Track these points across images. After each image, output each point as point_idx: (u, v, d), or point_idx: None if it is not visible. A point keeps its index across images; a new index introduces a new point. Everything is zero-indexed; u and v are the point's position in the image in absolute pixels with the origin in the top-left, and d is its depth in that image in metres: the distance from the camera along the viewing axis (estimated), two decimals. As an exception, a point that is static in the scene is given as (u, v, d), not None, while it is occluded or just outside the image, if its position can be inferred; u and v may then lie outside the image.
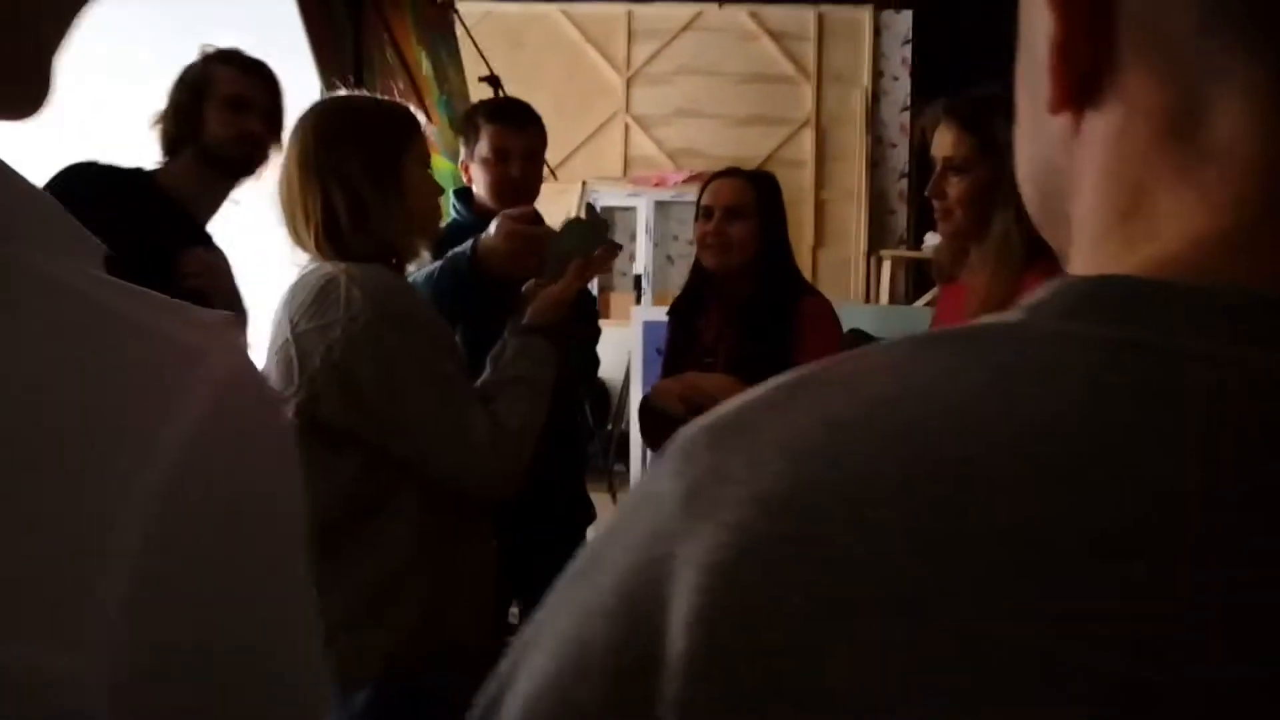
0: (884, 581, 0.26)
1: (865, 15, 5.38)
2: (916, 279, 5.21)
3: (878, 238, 5.31)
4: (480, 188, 2.01)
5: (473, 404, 1.32)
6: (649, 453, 4.30)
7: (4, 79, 0.35)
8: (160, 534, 0.29)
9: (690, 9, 5.53)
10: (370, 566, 1.29)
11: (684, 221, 5.70)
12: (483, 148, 1.97)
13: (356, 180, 1.33)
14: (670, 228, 5.63)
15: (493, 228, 1.63)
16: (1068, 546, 0.26)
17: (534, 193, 2.02)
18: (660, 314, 4.49)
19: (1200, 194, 0.31)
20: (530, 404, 1.37)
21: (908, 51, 5.35)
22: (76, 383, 0.30)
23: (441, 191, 1.49)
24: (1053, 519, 0.26)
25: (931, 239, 5.05)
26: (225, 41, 1.80)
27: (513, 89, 3.83)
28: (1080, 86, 0.33)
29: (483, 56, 3.78)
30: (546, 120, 2.09)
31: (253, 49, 1.83)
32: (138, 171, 1.75)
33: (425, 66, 3.35)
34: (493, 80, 3.89)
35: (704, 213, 1.87)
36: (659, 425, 1.91)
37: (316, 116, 1.39)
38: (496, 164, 1.96)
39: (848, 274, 5.17)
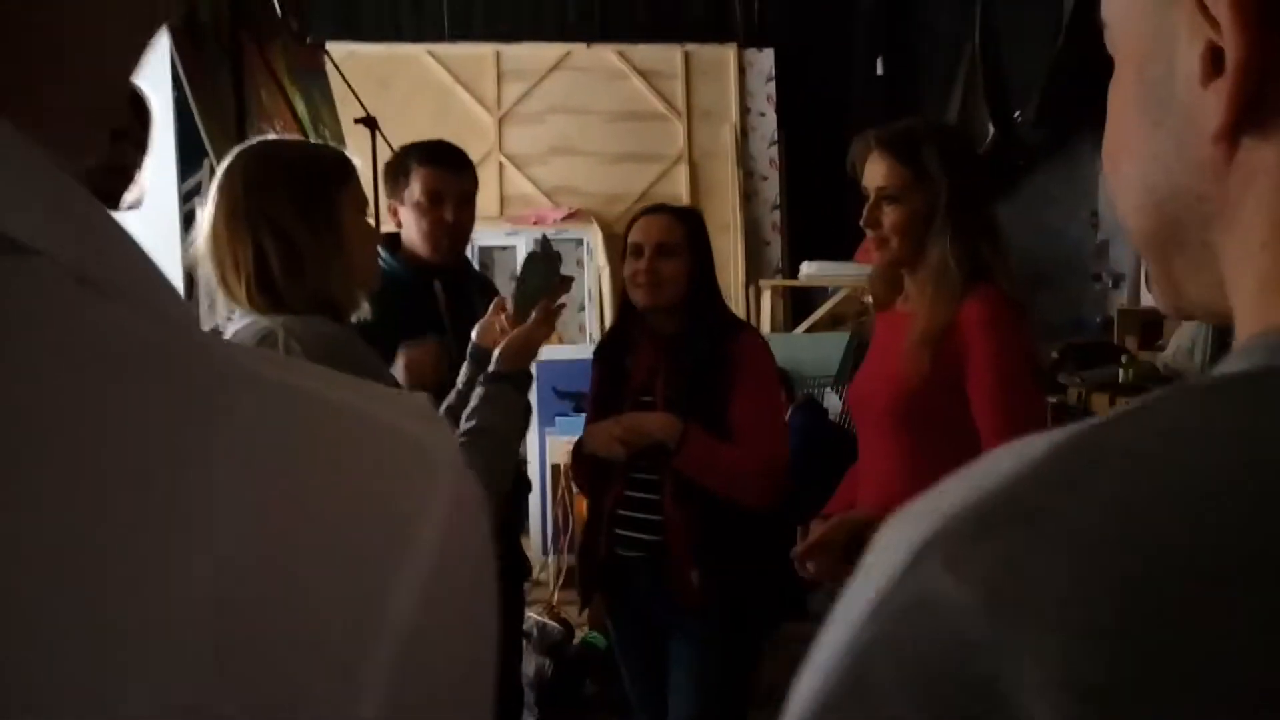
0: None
1: (730, 54, 5.53)
2: (794, 306, 5.35)
3: (754, 268, 5.43)
4: (411, 232, 1.95)
5: None
6: (551, 496, 4.23)
7: (71, 122, 0.30)
8: (407, 665, 0.26)
9: (558, 49, 5.55)
10: None
11: (564, 258, 5.68)
12: (415, 190, 1.93)
13: (290, 227, 1.26)
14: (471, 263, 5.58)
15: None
16: None
17: (466, 237, 1.99)
18: (552, 353, 4.43)
19: None
20: (495, 456, 1.30)
21: (772, 88, 5.53)
22: (312, 498, 0.25)
23: (380, 239, 1.43)
24: None
25: (807, 268, 5.20)
26: None
27: (383, 130, 3.74)
28: (1253, 112, 0.32)
29: (357, 98, 3.67)
30: (417, 161, 2.00)
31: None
32: None
33: (300, 108, 3.22)
34: (369, 122, 3.78)
35: (633, 250, 1.85)
36: (597, 469, 1.87)
37: (245, 161, 1.31)
38: (430, 207, 1.93)
39: (727, 304, 5.26)
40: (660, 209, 1.95)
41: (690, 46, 5.52)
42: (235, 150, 1.34)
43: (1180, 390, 0.31)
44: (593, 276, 5.46)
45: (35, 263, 0.24)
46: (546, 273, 1.61)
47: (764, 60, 5.56)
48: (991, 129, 4.42)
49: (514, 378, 1.39)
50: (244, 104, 2.39)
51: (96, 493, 0.22)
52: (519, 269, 1.67)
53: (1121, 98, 0.38)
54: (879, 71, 5.43)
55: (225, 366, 0.26)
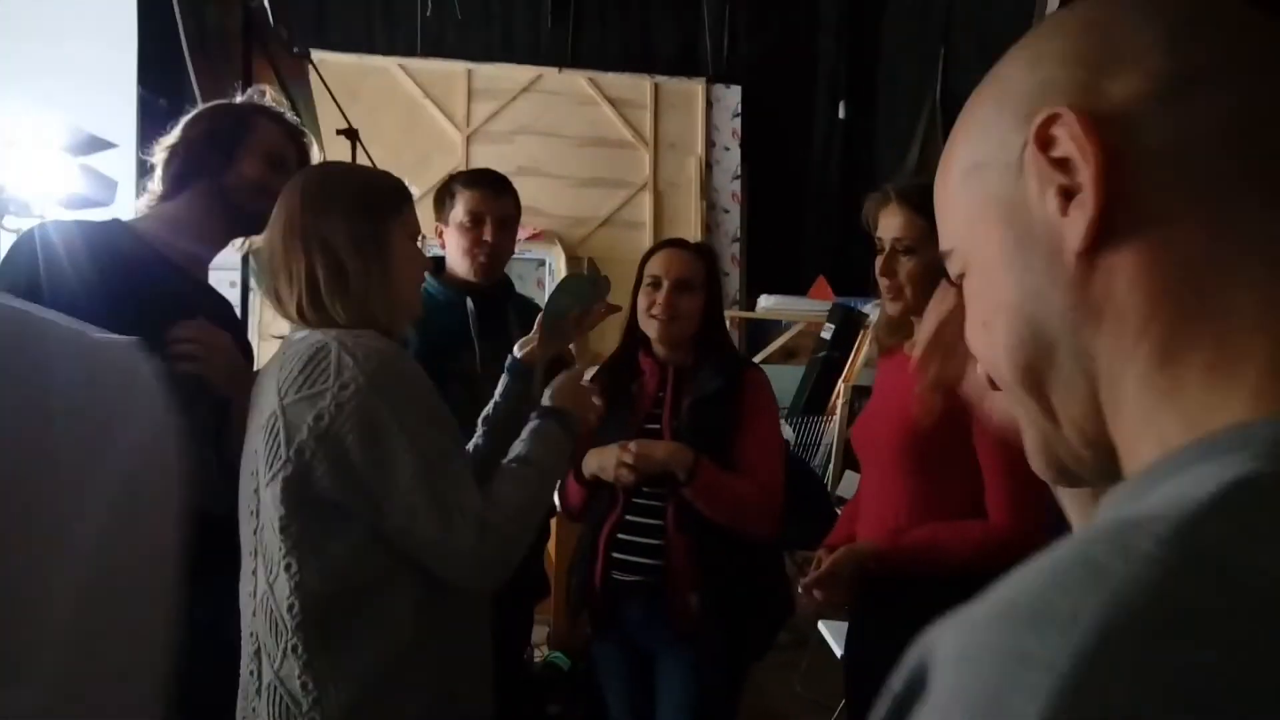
0: None
1: (698, 88, 5.66)
2: (750, 338, 5.46)
3: (713, 298, 5.54)
4: (453, 252, 2.06)
5: (463, 484, 1.24)
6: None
7: None
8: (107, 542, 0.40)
9: (530, 71, 5.61)
10: (373, 650, 1.23)
11: (524, 278, 5.71)
12: (458, 212, 2.05)
13: (340, 248, 1.30)
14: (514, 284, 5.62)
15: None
16: None
17: (504, 258, 2.08)
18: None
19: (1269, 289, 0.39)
20: (534, 491, 1.32)
21: (738, 124, 5.67)
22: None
23: (428, 266, 1.47)
24: None
25: (765, 300, 5.33)
26: None
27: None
28: (1104, 229, 0.41)
29: (341, 110, 3.67)
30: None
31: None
32: (115, 224, 1.56)
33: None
34: (351, 134, 3.78)
35: (652, 282, 1.91)
36: (595, 493, 1.91)
37: (305, 182, 1.35)
38: (471, 228, 2.04)
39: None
40: (680, 244, 2.01)
41: (660, 79, 5.64)
42: (300, 172, 1.37)
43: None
44: (553, 298, 5.50)
45: None
46: (583, 295, 1.64)
47: (731, 96, 5.70)
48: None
49: (560, 416, 1.43)
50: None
51: None
52: (557, 286, 1.71)
53: (980, 285, 0.49)
54: (841, 115, 5.61)
55: None
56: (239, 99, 1.70)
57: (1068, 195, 0.43)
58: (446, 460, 1.25)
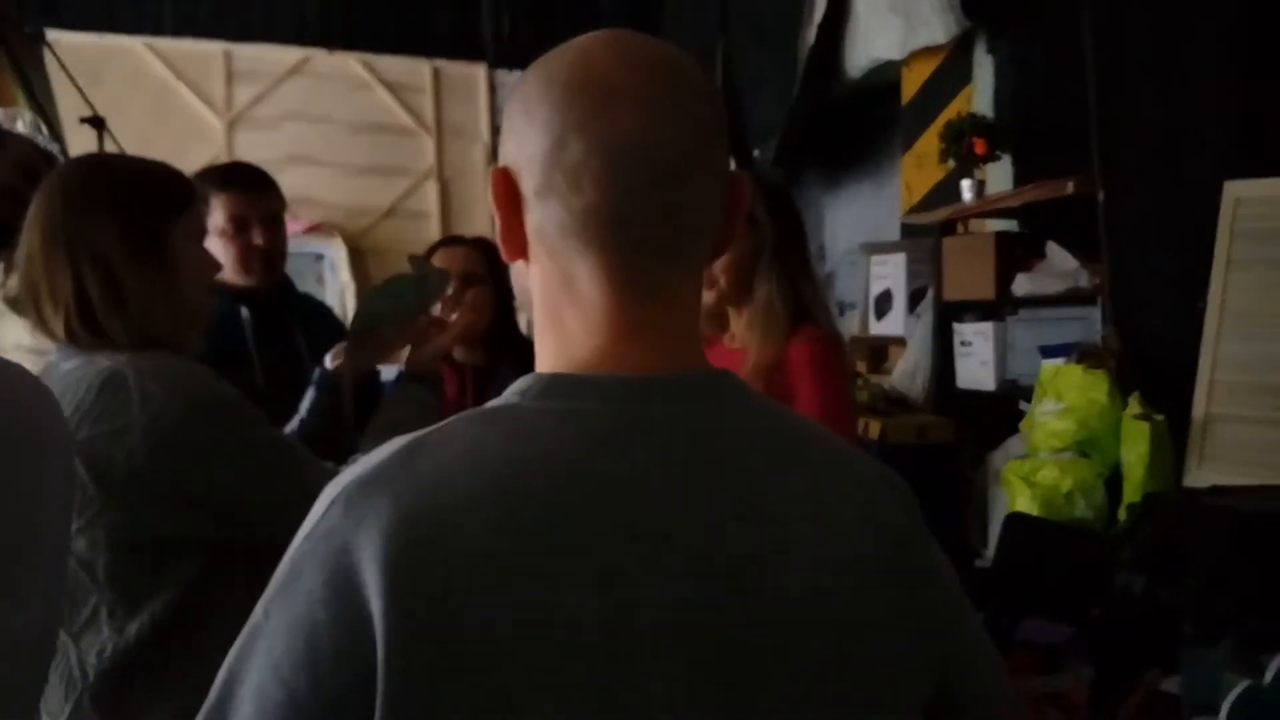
0: (476, 552, 0.52)
1: (480, 73, 5.53)
2: (544, 326, 5.43)
3: (505, 288, 5.47)
4: (221, 261, 1.81)
5: (314, 460, 1.21)
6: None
7: None
8: None
9: (296, 53, 5.27)
10: (180, 692, 1.12)
11: (302, 274, 5.39)
12: (217, 219, 1.78)
13: (113, 256, 1.15)
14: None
15: None
16: (567, 519, 0.55)
17: (280, 259, 1.87)
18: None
19: (581, 319, 0.62)
20: None
21: (522, 110, 5.59)
22: None
23: (219, 269, 1.33)
24: (556, 507, 0.54)
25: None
26: None
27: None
28: (517, 251, 0.66)
29: (84, 96, 3.29)
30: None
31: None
32: None
33: (23, 107, 2.84)
34: (96, 122, 3.41)
35: None
36: None
37: (66, 179, 1.18)
38: (236, 234, 1.79)
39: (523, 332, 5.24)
40: (454, 240, 1.97)
41: (439, 62, 5.46)
42: (58, 167, 1.20)
43: (468, 414, 0.60)
44: (336, 294, 5.22)
45: None
46: (400, 300, 1.49)
47: (516, 81, 5.61)
48: (733, 164, 4.77)
49: (425, 381, 1.46)
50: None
51: None
52: (378, 286, 1.53)
53: None
54: (623, 101, 5.66)
55: None
56: None
57: None
58: (294, 453, 1.21)
